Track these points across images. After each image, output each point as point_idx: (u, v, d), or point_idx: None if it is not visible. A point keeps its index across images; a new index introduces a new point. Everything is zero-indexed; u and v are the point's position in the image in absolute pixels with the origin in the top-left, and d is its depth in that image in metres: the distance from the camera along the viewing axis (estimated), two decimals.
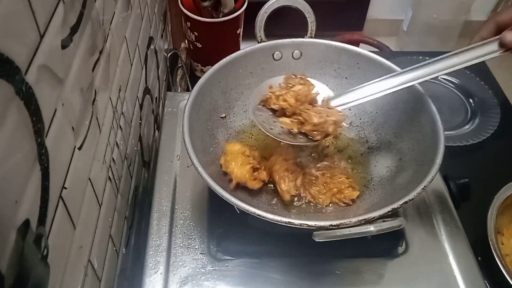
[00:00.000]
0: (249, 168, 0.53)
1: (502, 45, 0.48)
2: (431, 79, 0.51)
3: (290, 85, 0.55)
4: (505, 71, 0.96)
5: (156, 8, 0.84)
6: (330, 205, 0.53)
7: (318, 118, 0.51)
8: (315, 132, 0.52)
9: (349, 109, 0.63)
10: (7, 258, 0.27)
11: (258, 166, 0.54)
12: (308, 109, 0.53)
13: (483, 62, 0.50)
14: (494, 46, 0.49)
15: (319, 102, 0.55)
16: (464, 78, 0.93)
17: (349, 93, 0.55)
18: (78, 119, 0.40)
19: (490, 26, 0.51)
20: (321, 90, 0.56)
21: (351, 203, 0.53)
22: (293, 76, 0.56)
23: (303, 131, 0.52)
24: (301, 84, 0.55)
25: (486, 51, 0.49)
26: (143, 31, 0.71)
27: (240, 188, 0.53)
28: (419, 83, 0.52)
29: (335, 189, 0.54)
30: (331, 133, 0.52)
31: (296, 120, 0.53)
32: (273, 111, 0.54)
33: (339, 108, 0.54)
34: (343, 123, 0.54)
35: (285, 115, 0.54)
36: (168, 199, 0.56)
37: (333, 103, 0.55)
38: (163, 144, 0.63)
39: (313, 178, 0.55)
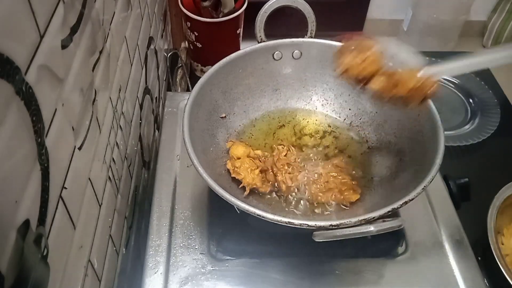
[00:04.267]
0: (258, 172, 0.54)
1: None
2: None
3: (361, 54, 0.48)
4: (505, 71, 0.96)
5: (156, 8, 0.84)
6: (329, 204, 0.53)
7: (415, 81, 0.45)
8: (409, 98, 0.46)
9: (349, 109, 0.63)
10: (7, 258, 0.27)
11: (266, 167, 0.55)
12: (398, 72, 0.46)
13: None
14: None
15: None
16: (464, 78, 0.93)
17: (449, 63, 0.47)
18: (78, 119, 0.40)
19: None
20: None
21: (348, 206, 0.53)
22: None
23: (395, 97, 0.46)
24: (368, 48, 0.48)
25: None
26: (143, 31, 0.71)
27: (240, 189, 0.53)
28: None
29: (335, 189, 0.54)
30: (429, 97, 0.46)
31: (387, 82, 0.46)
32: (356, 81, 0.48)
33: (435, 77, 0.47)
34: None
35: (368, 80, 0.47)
36: (168, 199, 0.56)
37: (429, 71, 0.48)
38: (163, 144, 0.63)
39: (316, 176, 0.55)
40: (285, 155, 0.56)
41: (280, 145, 0.59)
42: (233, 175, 0.54)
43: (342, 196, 0.53)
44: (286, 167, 0.55)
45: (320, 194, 0.53)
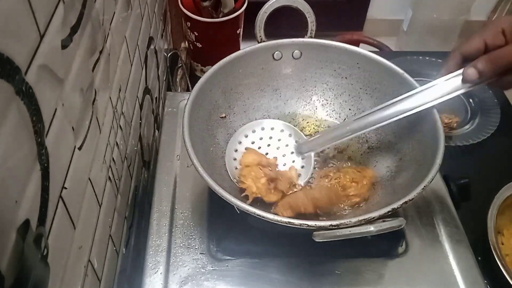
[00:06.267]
0: (264, 181, 0.52)
1: (464, 81, 0.47)
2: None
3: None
4: None
5: (156, 8, 0.84)
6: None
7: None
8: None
9: (349, 109, 0.63)
10: (7, 258, 0.27)
11: (275, 176, 0.53)
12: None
13: None
14: (458, 82, 0.47)
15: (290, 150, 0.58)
16: None
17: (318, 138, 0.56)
18: (78, 119, 0.40)
19: (456, 58, 0.48)
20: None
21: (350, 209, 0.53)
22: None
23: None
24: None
25: (450, 89, 0.47)
26: (143, 31, 0.71)
27: (241, 189, 0.53)
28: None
29: (336, 190, 0.53)
30: None
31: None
32: None
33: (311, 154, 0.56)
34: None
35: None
36: (168, 199, 0.56)
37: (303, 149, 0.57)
38: (163, 144, 0.63)
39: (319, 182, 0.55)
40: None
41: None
42: (240, 186, 0.53)
43: (343, 197, 0.53)
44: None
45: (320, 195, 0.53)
